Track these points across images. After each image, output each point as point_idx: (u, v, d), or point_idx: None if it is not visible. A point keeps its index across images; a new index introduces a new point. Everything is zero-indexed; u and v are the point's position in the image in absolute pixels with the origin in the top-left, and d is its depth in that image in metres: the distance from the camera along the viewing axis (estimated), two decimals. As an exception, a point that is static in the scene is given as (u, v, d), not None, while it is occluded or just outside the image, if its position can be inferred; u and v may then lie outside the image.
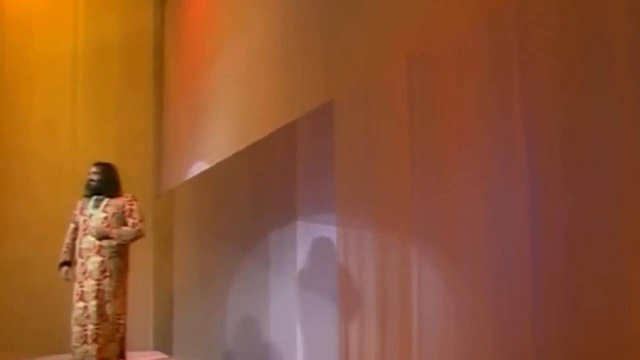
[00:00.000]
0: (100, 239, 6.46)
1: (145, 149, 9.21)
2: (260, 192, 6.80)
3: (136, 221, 6.62)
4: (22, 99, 9.06)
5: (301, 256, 5.93)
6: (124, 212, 6.61)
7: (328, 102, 3.99)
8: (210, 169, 6.86)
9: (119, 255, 6.54)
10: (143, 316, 8.84)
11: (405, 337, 3.10)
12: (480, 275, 2.60)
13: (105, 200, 6.63)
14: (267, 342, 6.71)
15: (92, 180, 6.71)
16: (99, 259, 6.43)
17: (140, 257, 8.42)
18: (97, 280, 6.41)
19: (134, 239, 6.63)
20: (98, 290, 6.39)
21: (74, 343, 6.43)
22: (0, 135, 8.96)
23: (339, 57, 3.92)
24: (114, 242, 6.49)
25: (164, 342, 8.69)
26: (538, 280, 2.27)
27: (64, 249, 6.61)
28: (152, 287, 9.01)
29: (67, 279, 6.57)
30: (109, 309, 6.42)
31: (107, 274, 6.45)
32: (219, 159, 6.36)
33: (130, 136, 9.19)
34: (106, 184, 6.70)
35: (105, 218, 6.53)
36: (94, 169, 6.77)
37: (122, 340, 6.56)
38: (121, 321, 6.53)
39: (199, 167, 7.12)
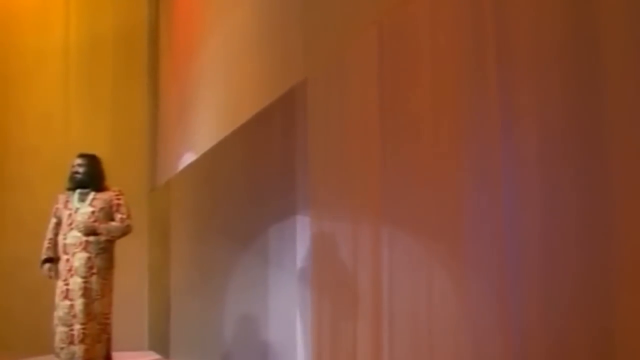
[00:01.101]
0: (87, 234, 6.17)
1: (140, 143, 9.01)
2: (258, 185, 6.51)
3: (124, 216, 6.33)
4: (18, 93, 8.90)
5: (301, 252, 5.63)
6: (111, 206, 6.32)
7: (302, 80, 3.69)
8: (207, 160, 6.58)
9: (106, 251, 6.26)
10: (138, 315, 8.63)
11: (376, 322, 2.82)
12: (452, 256, 2.32)
13: (92, 194, 6.32)
14: (267, 341, 6.43)
15: (77, 172, 6.39)
16: (86, 255, 6.15)
17: (134, 254, 8.20)
18: (84, 277, 6.13)
19: (122, 235, 6.35)
20: (85, 288, 6.11)
21: (59, 344, 6.15)
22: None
23: (315, 30, 3.63)
24: (102, 238, 6.20)
25: (159, 342, 8.42)
26: (510, 259, 2.00)
27: (46, 244, 6.29)
28: (147, 284, 8.76)
29: (50, 277, 6.28)
30: (96, 307, 6.14)
31: (95, 271, 6.16)
32: (205, 149, 6.08)
33: (125, 130, 8.99)
34: (92, 176, 6.39)
35: (93, 213, 6.24)
36: (78, 160, 6.45)
37: (108, 341, 6.28)
38: (108, 321, 6.26)
39: (189, 158, 6.84)
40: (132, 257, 8.34)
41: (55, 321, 6.16)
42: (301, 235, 5.60)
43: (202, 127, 6.38)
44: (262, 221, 6.38)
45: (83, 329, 6.08)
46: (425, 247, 2.50)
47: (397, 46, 2.79)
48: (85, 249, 6.16)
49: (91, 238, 6.18)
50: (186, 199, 8.21)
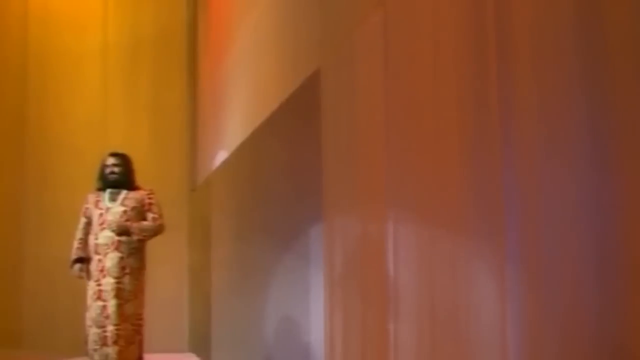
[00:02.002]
0: (120, 234, 6.07)
1: (180, 143, 8.95)
2: (299, 181, 6.32)
3: (157, 216, 6.24)
4: (59, 94, 8.92)
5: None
6: (143, 205, 6.22)
7: (316, 70, 3.49)
8: (246, 157, 6.42)
9: (138, 251, 6.17)
10: (178, 316, 8.53)
11: (385, 315, 2.65)
12: (457, 247, 2.12)
13: (123, 193, 6.24)
14: (309, 343, 6.23)
15: (113, 172, 6.30)
16: (118, 255, 6.06)
17: (174, 254, 8.11)
18: (117, 278, 6.04)
19: (154, 235, 6.25)
20: (118, 289, 6.02)
21: (91, 345, 6.07)
22: (40, 131, 8.83)
23: (330, 15, 3.43)
24: (134, 238, 6.10)
25: (200, 344, 8.30)
26: (511, 251, 1.87)
27: (76, 244, 6.20)
28: (187, 285, 8.66)
29: (81, 277, 6.21)
30: (129, 308, 6.05)
31: (127, 271, 6.08)
32: (237, 144, 5.93)
33: (165, 130, 8.93)
34: (127, 176, 6.32)
35: (125, 212, 6.15)
36: (112, 160, 6.37)
37: (141, 342, 6.18)
38: (141, 322, 6.17)
39: (223, 155, 6.70)
40: (172, 257, 8.27)
41: (88, 322, 6.08)
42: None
43: (235, 123, 6.23)
44: (303, 220, 6.19)
45: (117, 330, 5.99)
46: (431, 236, 2.31)
47: (402, 28, 2.57)
48: (117, 249, 6.07)
49: (123, 238, 6.09)
50: (227, 198, 8.07)
